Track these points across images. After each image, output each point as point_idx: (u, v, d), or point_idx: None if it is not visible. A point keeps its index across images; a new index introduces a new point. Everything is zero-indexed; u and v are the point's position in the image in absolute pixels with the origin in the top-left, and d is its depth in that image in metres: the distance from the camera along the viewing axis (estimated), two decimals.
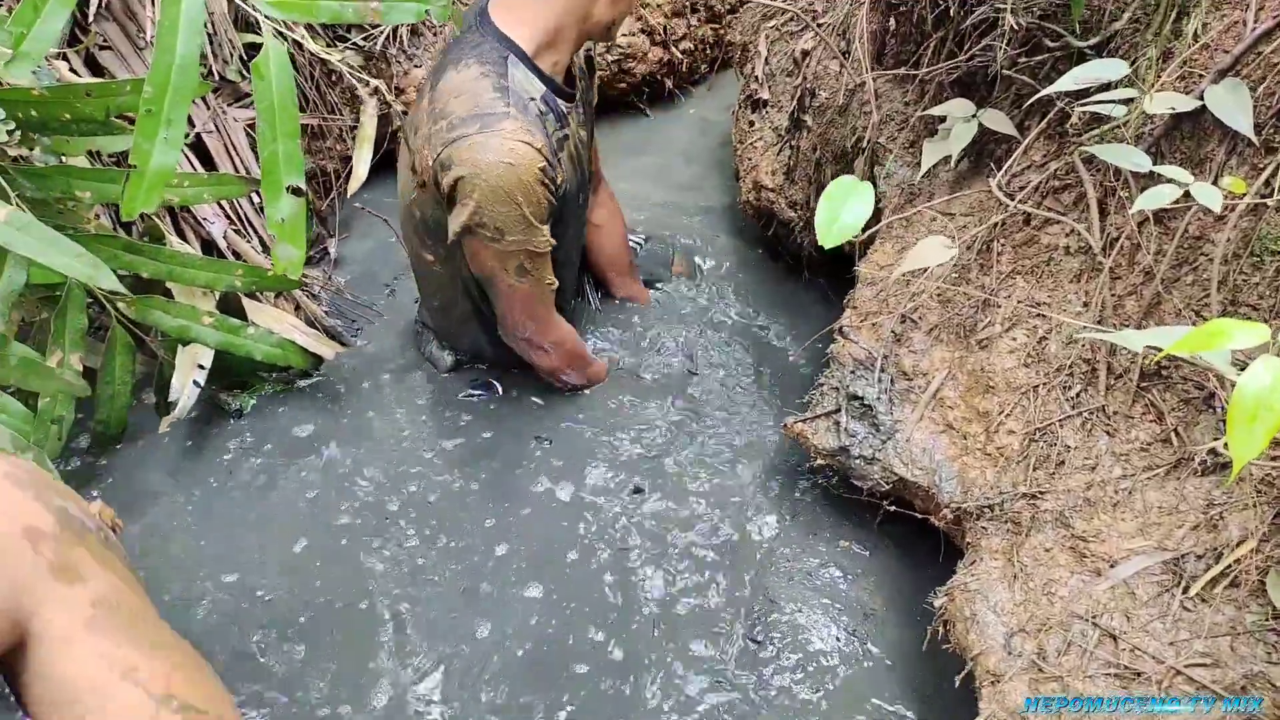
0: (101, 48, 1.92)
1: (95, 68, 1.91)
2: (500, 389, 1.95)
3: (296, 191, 1.47)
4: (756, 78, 1.94)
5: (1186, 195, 1.09)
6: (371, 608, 1.55)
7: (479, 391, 1.94)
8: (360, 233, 2.36)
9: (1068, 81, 1.18)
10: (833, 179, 1.93)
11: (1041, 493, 1.29)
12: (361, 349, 2.04)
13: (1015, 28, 1.42)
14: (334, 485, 1.73)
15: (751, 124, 2.12)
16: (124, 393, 1.66)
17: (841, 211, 1.41)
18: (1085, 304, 1.36)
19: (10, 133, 1.37)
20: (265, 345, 1.73)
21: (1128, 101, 1.23)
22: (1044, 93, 1.21)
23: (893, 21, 1.75)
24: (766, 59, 1.91)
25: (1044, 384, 1.36)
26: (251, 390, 1.86)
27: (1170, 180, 1.06)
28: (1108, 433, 1.29)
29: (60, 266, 1.33)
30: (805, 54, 1.87)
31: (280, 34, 1.41)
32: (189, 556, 1.62)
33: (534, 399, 1.91)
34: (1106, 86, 1.25)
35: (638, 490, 1.75)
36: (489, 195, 1.51)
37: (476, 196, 1.51)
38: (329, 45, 2.10)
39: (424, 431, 1.85)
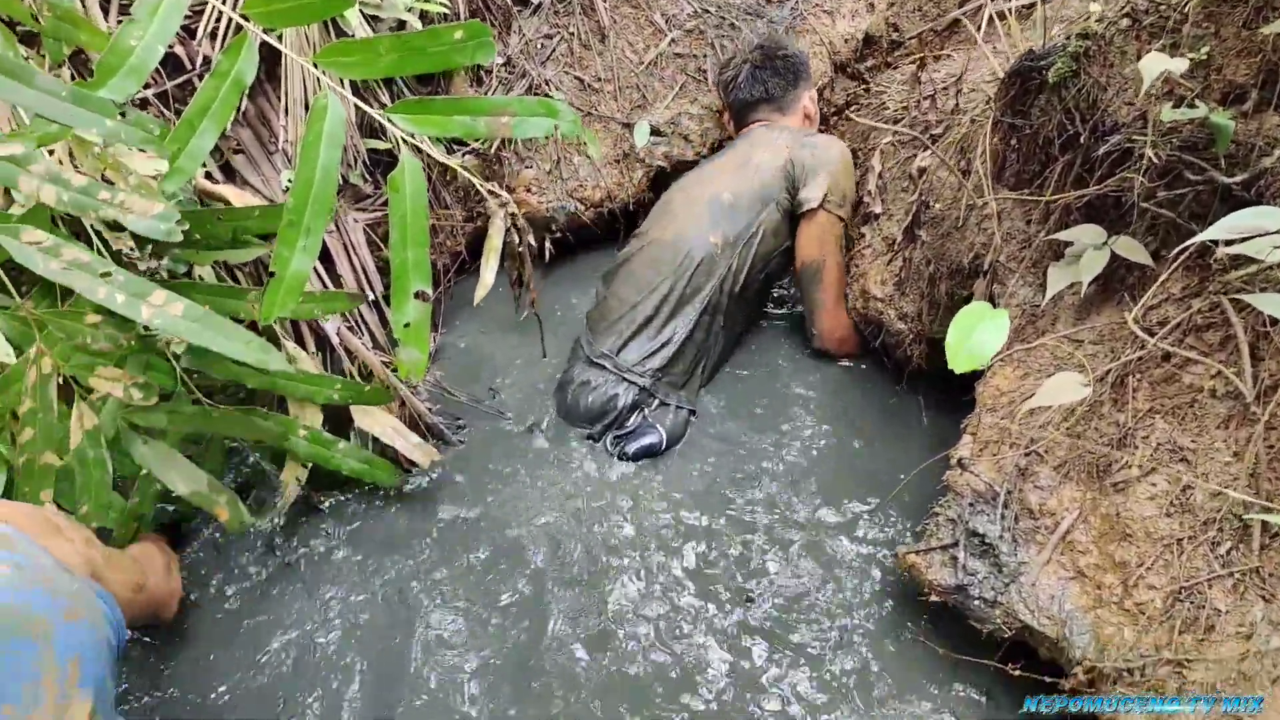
0: (235, 152, 2.01)
1: (228, 171, 2.00)
2: (663, 436, 2.03)
3: (422, 296, 1.51)
4: (869, 191, 1.92)
5: None
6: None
7: (648, 439, 2.01)
8: (460, 330, 2.39)
9: (1221, 230, 1.11)
10: (948, 294, 1.91)
11: (1189, 661, 1.19)
12: (463, 450, 2.04)
13: (1155, 160, 1.37)
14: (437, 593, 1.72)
15: (862, 235, 2.09)
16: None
17: (973, 337, 1.37)
18: (1235, 454, 1.27)
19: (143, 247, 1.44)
20: (354, 461, 1.77)
21: None
22: (1195, 240, 1.15)
23: (1015, 141, 1.71)
24: (880, 173, 1.90)
25: (1189, 538, 1.27)
26: (343, 490, 1.89)
27: None
28: (1263, 598, 1.19)
29: (233, 352, 1.41)
30: (921, 170, 1.84)
31: (407, 142, 1.46)
32: (266, 651, 1.62)
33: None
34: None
35: (749, 600, 1.70)
36: (841, 168, 2.11)
37: (831, 169, 2.10)
38: (448, 150, 2.17)
39: (547, 528, 1.83)
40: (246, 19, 1.40)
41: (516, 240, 1.97)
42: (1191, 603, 1.23)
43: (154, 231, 1.32)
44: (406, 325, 1.52)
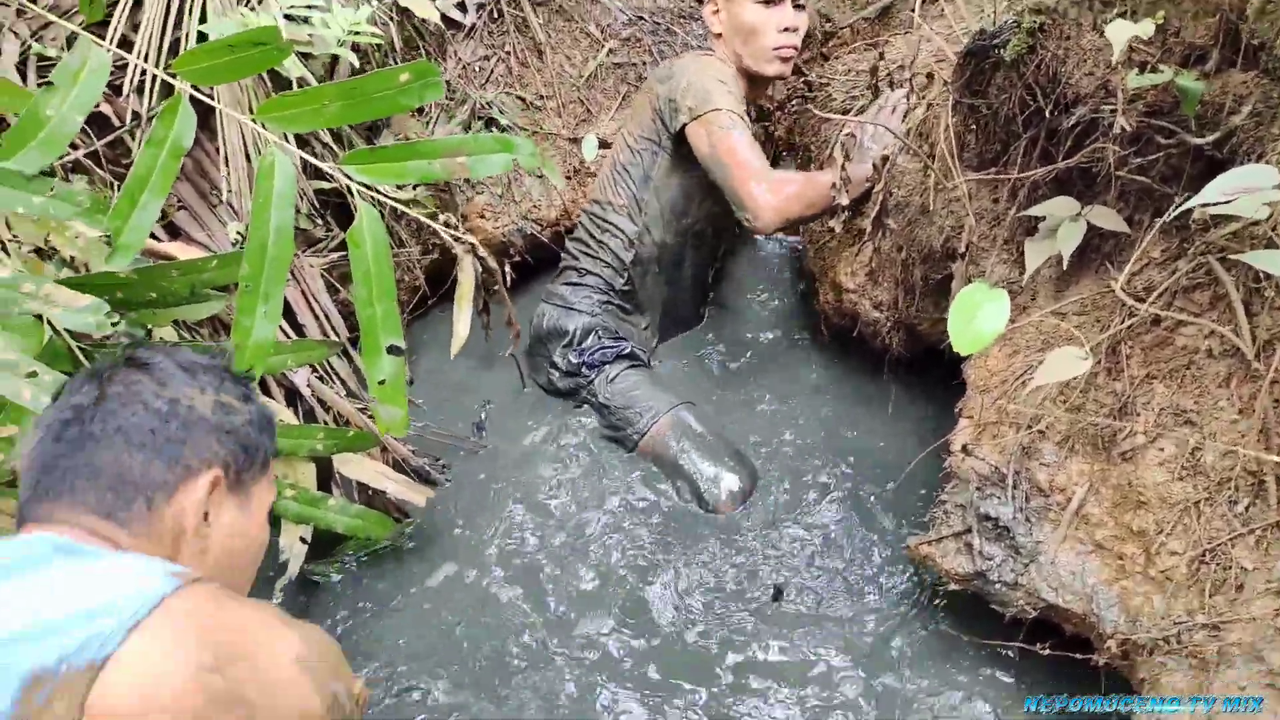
0: (178, 208, 1.92)
1: (171, 229, 1.91)
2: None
3: (395, 351, 1.45)
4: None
5: None
6: None
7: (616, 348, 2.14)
8: (425, 366, 2.32)
9: (1213, 193, 1.11)
10: (922, 279, 1.91)
11: (1224, 622, 1.19)
12: (451, 490, 1.98)
13: (1125, 128, 1.37)
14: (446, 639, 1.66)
15: (831, 229, 2.08)
16: None
17: (976, 318, 1.34)
18: (1240, 411, 1.28)
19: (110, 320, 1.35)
20: (345, 517, 1.70)
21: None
22: (1189, 204, 1.15)
23: (975, 122, 1.71)
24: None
25: (1205, 499, 1.28)
26: (337, 555, 1.80)
27: None
28: None
29: None
30: (884, 159, 1.84)
31: (361, 194, 1.41)
32: None
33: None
34: None
35: (778, 592, 1.72)
36: (693, 76, 2.04)
37: (682, 86, 2.04)
38: (398, 186, 2.10)
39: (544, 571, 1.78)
40: (175, 77, 1.34)
41: (483, 273, 1.93)
42: (1217, 564, 1.23)
43: (83, 325, 1.25)
44: (382, 382, 1.47)
